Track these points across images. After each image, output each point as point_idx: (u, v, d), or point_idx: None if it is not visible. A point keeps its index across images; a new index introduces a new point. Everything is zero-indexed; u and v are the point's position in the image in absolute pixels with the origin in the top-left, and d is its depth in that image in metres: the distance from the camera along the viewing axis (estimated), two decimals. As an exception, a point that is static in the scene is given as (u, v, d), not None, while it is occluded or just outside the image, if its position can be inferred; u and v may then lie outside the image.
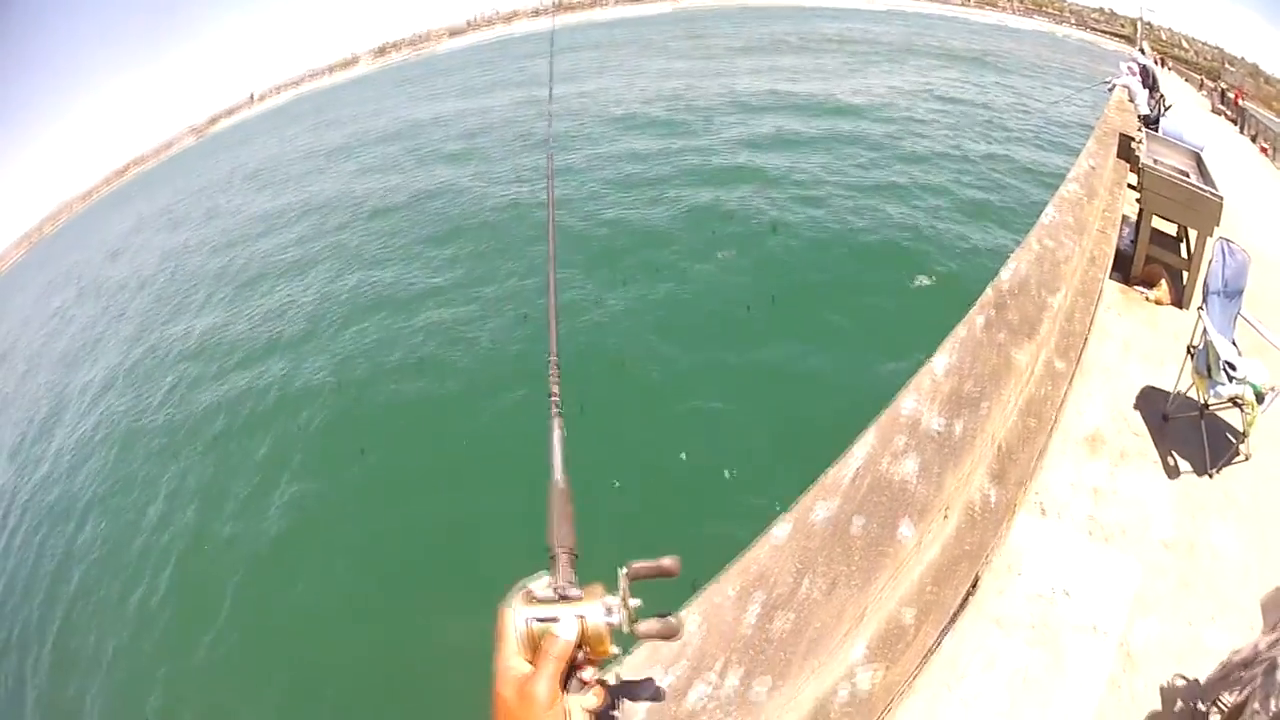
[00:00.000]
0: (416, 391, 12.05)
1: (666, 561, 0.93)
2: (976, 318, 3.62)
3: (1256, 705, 2.57)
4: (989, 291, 3.89)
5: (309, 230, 24.86)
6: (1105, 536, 4.00)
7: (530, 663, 0.79)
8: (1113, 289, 6.22)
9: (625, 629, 0.86)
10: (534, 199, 20.25)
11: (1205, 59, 51.85)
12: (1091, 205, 5.34)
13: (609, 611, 0.84)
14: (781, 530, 2.29)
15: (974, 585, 2.81)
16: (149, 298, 25.10)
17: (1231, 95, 24.78)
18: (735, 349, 11.27)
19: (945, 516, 2.59)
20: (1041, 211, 5.12)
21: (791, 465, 7.17)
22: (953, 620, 2.70)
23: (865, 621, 2.24)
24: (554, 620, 0.81)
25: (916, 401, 2.94)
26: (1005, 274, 4.11)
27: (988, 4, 75.19)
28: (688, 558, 0.91)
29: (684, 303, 13.17)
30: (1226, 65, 44.71)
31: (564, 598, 0.84)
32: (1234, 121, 20.92)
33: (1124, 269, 6.36)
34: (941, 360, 3.22)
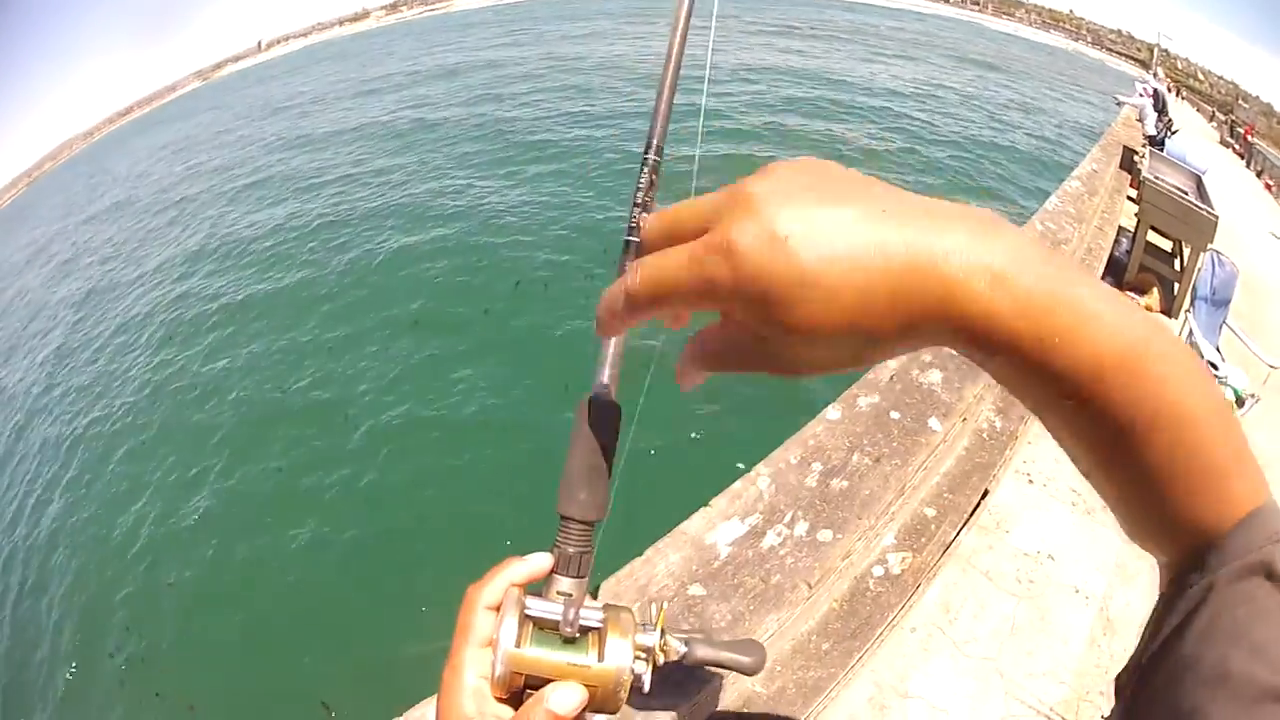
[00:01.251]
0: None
1: (744, 659, 0.77)
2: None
3: None
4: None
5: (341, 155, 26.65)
6: (1088, 510, 4.53)
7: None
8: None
9: (645, 688, 0.64)
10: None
11: (1219, 92, 55.20)
12: (1091, 202, 6.06)
13: (640, 658, 0.64)
14: (833, 413, 2.79)
15: (983, 496, 3.35)
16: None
17: (1242, 130, 26.29)
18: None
19: (964, 420, 3.13)
20: (1046, 199, 5.82)
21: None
22: (966, 522, 3.21)
23: (902, 506, 2.76)
24: (551, 677, 0.61)
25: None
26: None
27: (1004, 12, 78.88)
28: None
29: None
30: (1240, 101, 47.67)
31: (573, 633, 0.63)
32: (1241, 155, 22.25)
33: (1118, 275, 7.14)
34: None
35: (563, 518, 0.69)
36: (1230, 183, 16.74)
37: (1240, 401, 5.09)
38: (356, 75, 48.14)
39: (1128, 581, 4.09)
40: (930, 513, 2.96)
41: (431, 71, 42.66)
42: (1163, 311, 6.90)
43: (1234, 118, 32.03)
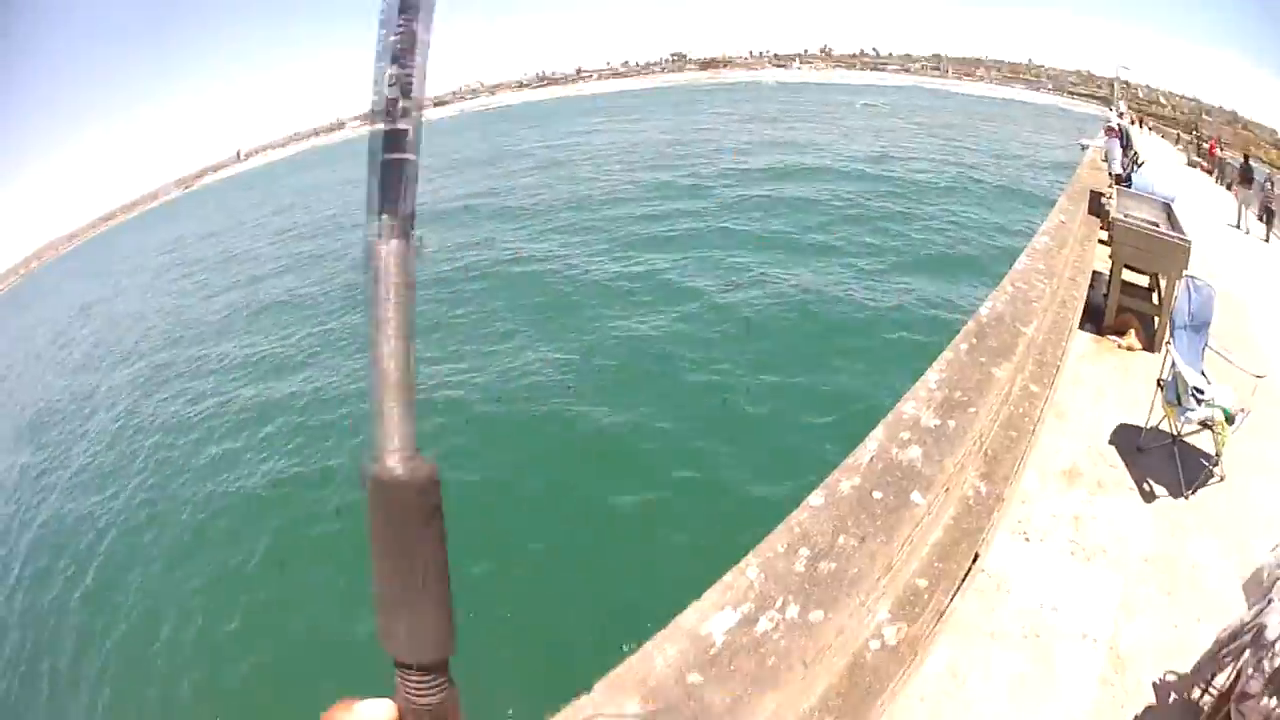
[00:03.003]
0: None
1: None
2: (961, 344, 4.61)
3: (1250, 671, 3.14)
4: (971, 324, 4.91)
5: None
6: (1087, 556, 4.85)
7: None
8: (1085, 340, 7.38)
9: None
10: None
11: (1182, 112, 57.58)
12: (1061, 254, 6.51)
13: None
14: (816, 499, 3.12)
15: (974, 560, 3.65)
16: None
17: (1207, 146, 27.47)
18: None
19: (947, 490, 3.45)
20: (1015, 259, 6.26)
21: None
22: (959, 587, 3.51)
23: (891, 580, 3.06)
24: None
25: (915, 406, 3.85)
26: (984, 310, 5.15)
27: (965, 73, 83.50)
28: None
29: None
30: (1204, 116, 49.86)
31: None
32: (1209, 172, 23.17)
33: (1097, 320, 7.56)
34: (934, 375, 4.18)
35: (395, 662, 0.58)
36: (1202, 200, 17.50)
37: (1230, 419, 5.43)
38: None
39: (1134, 616, 4.40)
40: (922, 583, 3.27)
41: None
42: (1145, 348, 7.28)
43: (1199, 135, 33.34)
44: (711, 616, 2.54)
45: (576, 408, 13.12)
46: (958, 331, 5.00)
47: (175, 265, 44.28)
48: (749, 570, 2.78)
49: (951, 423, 3.75)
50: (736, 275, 19.63)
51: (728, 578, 2.75)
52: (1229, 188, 21.08)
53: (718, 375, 13.93)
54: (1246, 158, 23.16)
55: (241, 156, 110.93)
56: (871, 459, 3.42)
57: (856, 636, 2.90)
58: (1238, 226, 16.13)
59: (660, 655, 2.38)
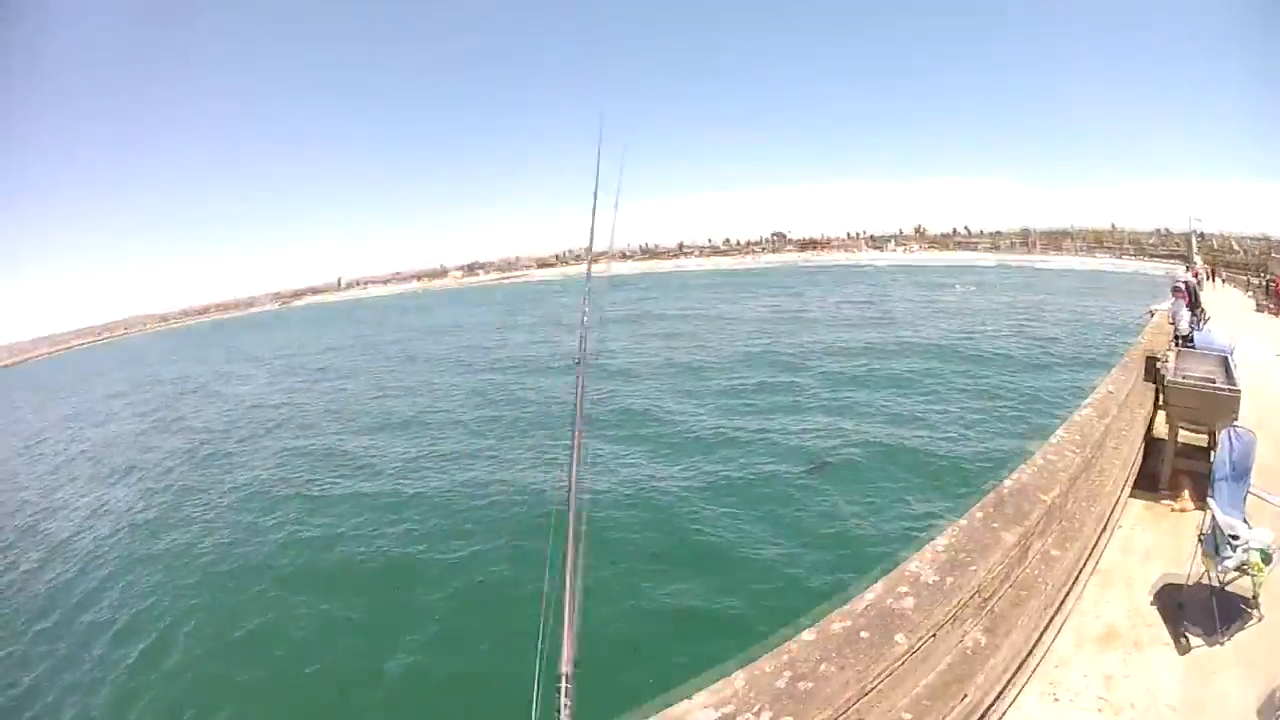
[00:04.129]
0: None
1: None
2: (977, 513, 5.35)
3: None
4: (991, 495, 5.64)
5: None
6: (1115, 710, 5.23)
7: None
8: (1139, 507, 7.89)
9: None
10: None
11: (1254, 255, 57.13)
12: (1100, 424, 7.15)
13: None
14: (808, 635, 3.93)
15: (963, 699, 4.28)
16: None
17: (1273, 285, 27.24)
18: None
19: (934, 636, 4.17)
20: (1052, 434, 6.95)
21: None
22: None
23: (872, 709, 3.78)
24: None
25: (919, 565, 4.62)
26: (1007, 482, 5.88)
27: (1052, 249, 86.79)
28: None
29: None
30: (1273, 254, 49.29)
31: None
32: (1276, 313, 22.99)
33: (1154, 485, 8.07)
34: (942, 540, 4.94)
35: None
36: (1263, 340, 17.48)
37: (1268, 559, 5.79)
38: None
39: None
40: (908, 717, 3.96)
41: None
42: (1196, 505, 7.65)
43: (1268, 277, 33.00)
44: (696, 713, 3.36)
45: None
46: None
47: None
48: (736, 681, 3.58)
49: (950, 579, 4.49)
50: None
51: (716, 685, 3.57)
52: (1269, 309, 21.30)
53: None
54: None
55: (341, 285, 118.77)
56: (866, 606, 4.20)
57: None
58: None
59: None
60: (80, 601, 16.82)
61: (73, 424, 43.70)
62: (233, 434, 32.29)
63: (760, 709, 3.41)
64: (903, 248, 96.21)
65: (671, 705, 3.46)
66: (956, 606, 4.36)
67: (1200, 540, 6.36)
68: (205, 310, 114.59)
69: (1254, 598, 5.95)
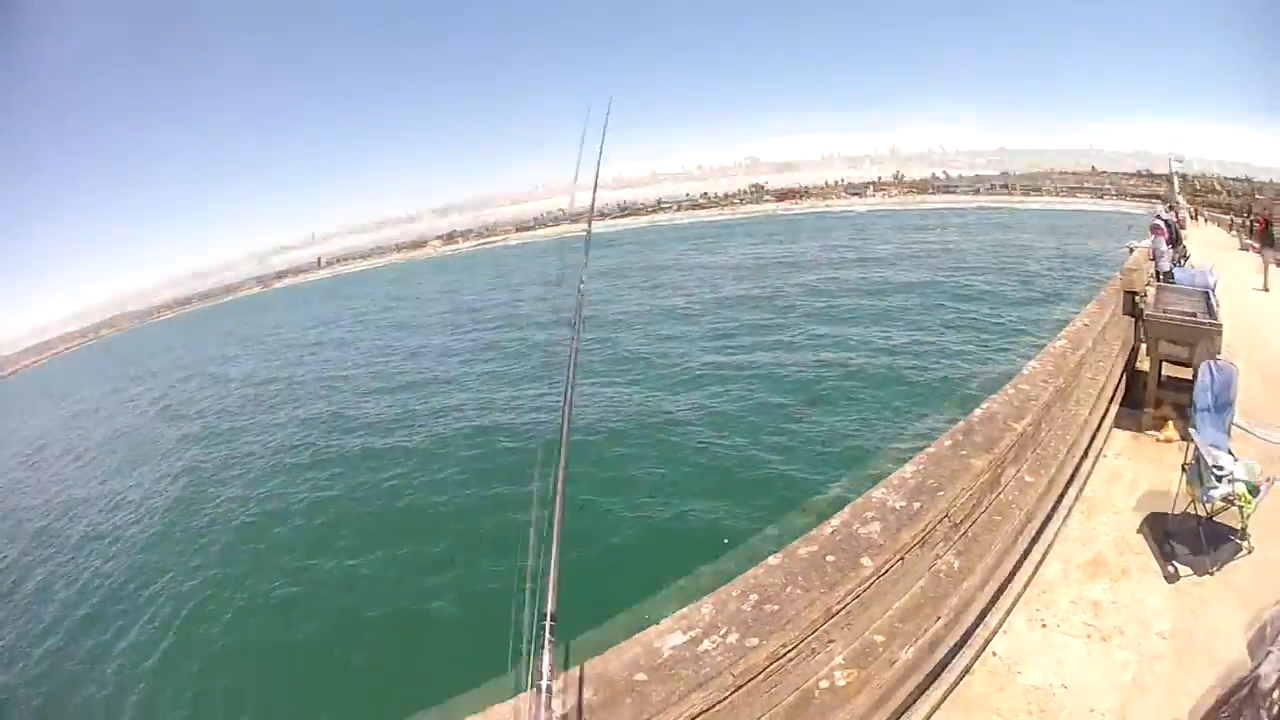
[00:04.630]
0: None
1: None
2: (945, 441, 5.41)
3: None
4: (960, 424, 5.70)
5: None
6: (1103, 637, 5.28)
7: None
8: (1125, 439, 7.97)
9: None
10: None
11: (1236, 196, 57.25)
12: (1075, 355, 7.21)
13: None
14: (774, 560, 4.00)
15: (938, 621, 4.34)
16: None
17: (1257, 226, 27.28)
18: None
19: (901, 559, 4.23)
20: (1025, 366, 7.01)
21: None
22: (914, 640, 4.21)
23: (842, 632, 3.85)
24: None
25: (885, 492, 4.69)
26: (978, 411, 5.94)
27: (1032, 190, 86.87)
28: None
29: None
30: (1256, 195, 49.55)
31: None
32: (1259, 252, 23.16)
33: (1137, 418, 8.15)
34: (910, 468, 5.00)
35: None
36: (1245, 277, 17.69)
37: (1254, 491, 5.83)
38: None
39: (1145, 691, 4.79)
40: (879, 638, 4.03)
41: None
42: (1181, 437, 7.69)
43: (1250, 218, 33.14)
44: (665, 636, 3.44)
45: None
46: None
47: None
48: (704, 607, 3.65)
49: (917, 504, 4.56)
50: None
51: (684, 610, 3.65)
52: (1254, 248, 21.65)
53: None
54: (1267, 221, 23.59)
55: (321, 263, 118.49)
56: (832, 532, 4.27)
57: (807, 676, 3.68)
58: (1265, 289, 17.12)
59: (618, 659, 3.28)
60: (120, 580, 17.28)
61: (79, 423, 44.00)
62: (239, 412, 33.03)
63: (727, 631, 3.48)
64: (881, 193, 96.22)
65: (642, 630, 3.55)
66: (924, 530, 4.42)
67: (1184, 470, 6.42)
68: (188, 301, 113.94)
69: (1243, 529, 5.99)
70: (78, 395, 56.68)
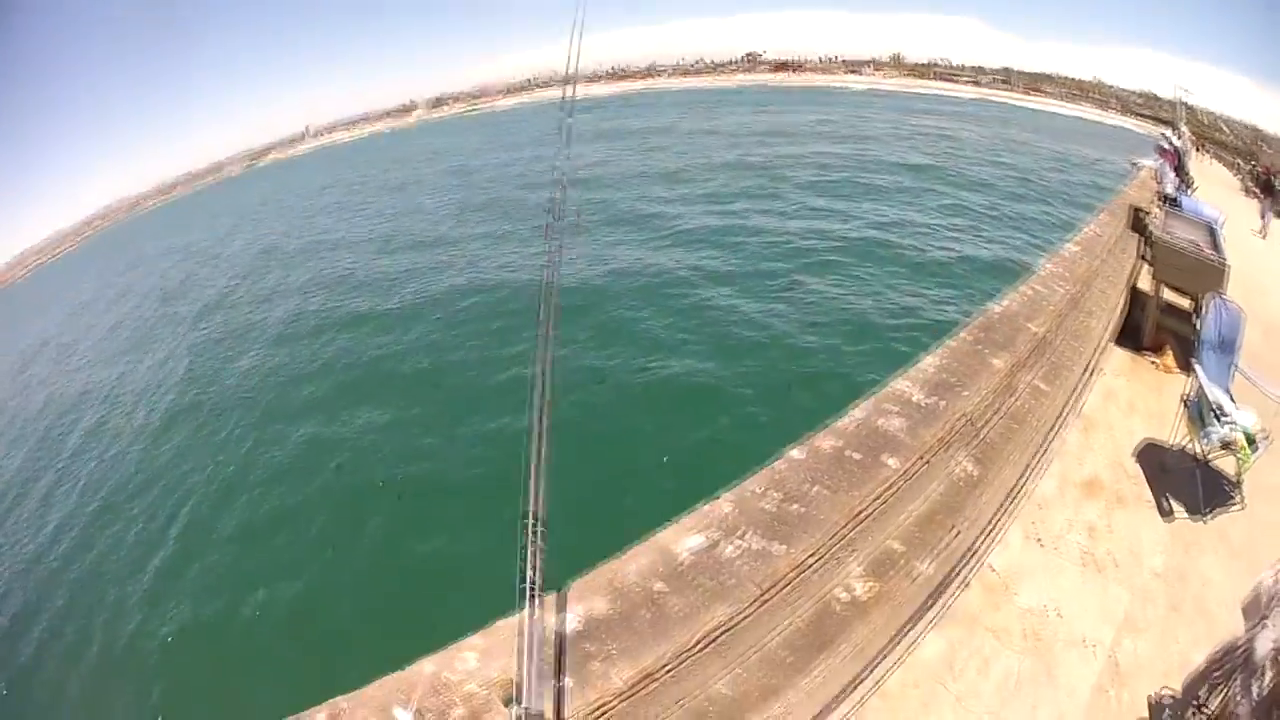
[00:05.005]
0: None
1: None
2: (965, 335, 4.98)
3: (1238, 695, 3.33)
4: (979, 318, 5.27)
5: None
6: (1098, 567, 5.05)
7: None
8: (1123, 357, 7.64)
9: None
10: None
11: (1242, 141, 57.26)
12: (1086, 264, 6.81)
13: None
14: (797, 453, 3.51)
15: (954, 533, 3.95)
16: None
17: (1263, 175, 27.48)
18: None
19: (926, 462, 3.79)
20: (1038, 265, 6.58)
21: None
22: (933, 552, 3.81)
23: (863, 538, 3.40)
24: None
25: (907, 384, 4.23)
26: (996, 307, 5.51)
27: (1034, 90, 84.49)
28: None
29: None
30: (1263, 146, 49.82)
31: None
32: (1261, 200, 23.40)
33: (1136, 338, 7.81)
34: (931, 360, 4.55)
35: None
36: (1248, 222, 17.73)
37: (1252, 442, 5.60)
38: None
39: (1137, 632, 4.58)
40: (898, 546, 3.60)
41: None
42: (1180, 368, 7.47)
43: (1255, 165, 33.32)
44: (683, 538, 2.94)
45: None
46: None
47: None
48: (724, 504, 3.16)
49: (941, 402, 4.10)
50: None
51: (703, 507, 3.16)
52: (1256, 196, 21.93)
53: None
54: (1269, 171, 23.75)
55: (309, 134, 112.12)
56: (856, 425, 3.79)
57: (826, 584, 3.23)
58: (1262, 235, 17.14)
59: (634, 564, 2.77)
60: (128, 471, 16.42)
61: (83, 314, 40.51)
62: (237, 288, 31.13)
63: (746, 532, 3.00)
64: (880, 73, 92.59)
65: (661, 528, 3.04)
66: (947, 431, 3.99)
67: (1184, 404, 6.13)
68: (173, 186, 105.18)
69: (1238, 482, 5.78)
70: (71, 295, 50.91)
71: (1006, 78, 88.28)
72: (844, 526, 3.22)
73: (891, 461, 3.55)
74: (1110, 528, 5.43)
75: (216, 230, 53.58)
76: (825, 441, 3.66)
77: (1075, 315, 6.35)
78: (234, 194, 76.57)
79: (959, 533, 3.96)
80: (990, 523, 4.62)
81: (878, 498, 3.41)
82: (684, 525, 3.05)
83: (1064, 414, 5.68)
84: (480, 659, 2.68)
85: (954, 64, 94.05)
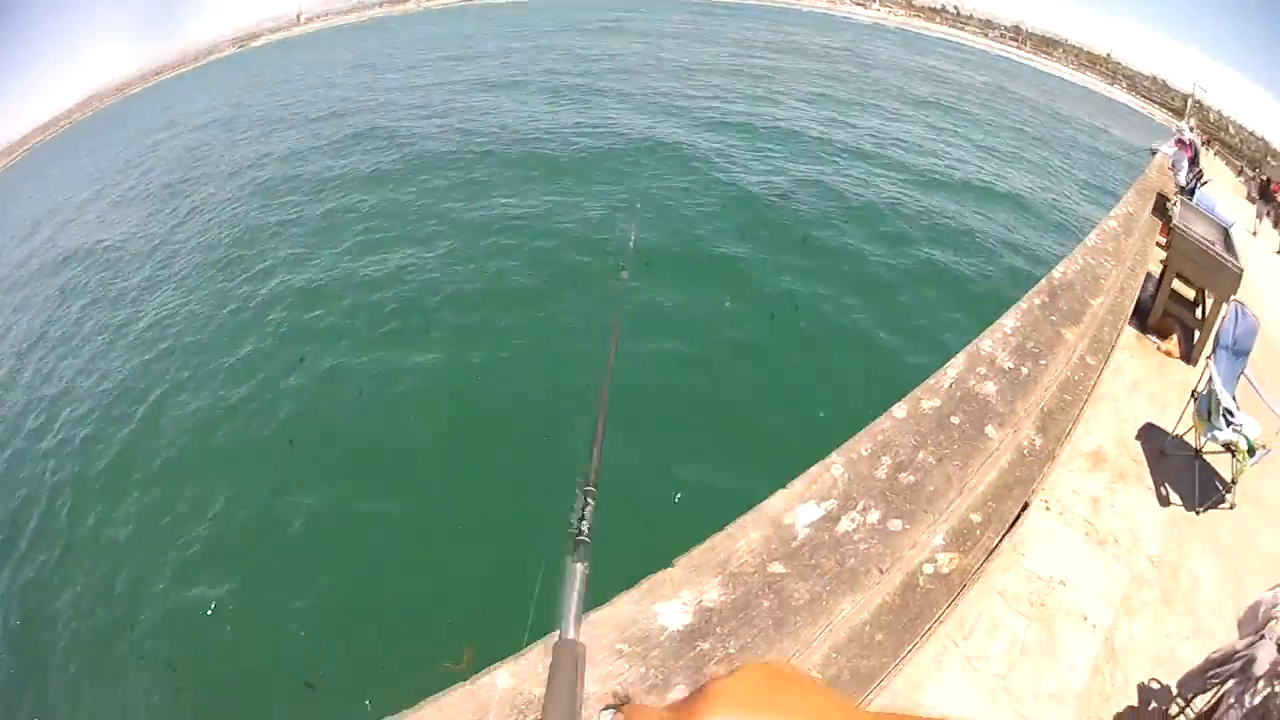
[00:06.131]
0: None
1: None
2: (1035, 299, 4.28)
3: (1231, 700, 3.06)
4: (1043, 282, 4.58)
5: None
6: (1100, 540, 4.62)
7: None
8: (1129, 334, 7.03)
9: None
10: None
11: (1250, 148, 55.45)
12: (1126, 242, 6.12)
13: None
14: (900, 410, 2.81)
15: (1024, 508, 3.35)
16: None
17: (1271, 187, 26.69)
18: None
19: (1014, 432, 3.14)
20: (1086, 236, 5.87)
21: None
22: (1010, 528, 3.22)
23: (951, 510, 2.75)
24: None
25: (992, 344, 3.53)
26: (1056, 273, 4.81)
27: (1043, 50, 79.05)
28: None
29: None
30: (1270, 159, 48.22)
31: None
32: (1268, 214, 22.81)
33: (1142, 318, 7.19)
34: (1010, 321, 3.86)
35: None
36: (1255, 237, 17.21)
37: (1251, 450, 5.19)
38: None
39: (1132, 614, 4.20)
40: (977, 518, 2.98)
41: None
42: (1181, 357, 6.95)
43: (1262, 174, 32.32)
44: (796, 508, 2.28)
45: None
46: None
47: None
48: (834, 468, 2.49)
49: (1025, 369, 3.44)
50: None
51: (813, 470, 2.48)
52: (1254, 200, 21.61)
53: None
54: (1271, 183, 23.50)
55: (301, 20, 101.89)
56: (951, 385, 3.11)
57: (915, 557, 2.58)
58: (1255, 234, 16.95)
59: (744, 538, 2.09)
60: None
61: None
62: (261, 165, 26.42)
63: (866, 506, 2.33)
64: (886, 9, 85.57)
65: (770, 496, 2.32)
66: (1032, 403, 3.32)
67: (1194, 398, 5.64)
68: (159, 71, 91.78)
69: (1232, 482, 5.38)
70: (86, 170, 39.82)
71: (1016, 34, 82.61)
72: (952, 501, 2.56)
73: (992, 432, 2.90)
74: (1112, 504, 5.01)
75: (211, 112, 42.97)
76: (925, 401, 2.98)
77: (1121, 292, 5.68)
78: (224, 74, 64.29)
79: (1027, 504, 3.35)
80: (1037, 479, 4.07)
81: (983, 468, 2.75)
82: (794, 492, 2.36)
83: (1094, 387, 5.07)
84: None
85: (963, 12, 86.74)
